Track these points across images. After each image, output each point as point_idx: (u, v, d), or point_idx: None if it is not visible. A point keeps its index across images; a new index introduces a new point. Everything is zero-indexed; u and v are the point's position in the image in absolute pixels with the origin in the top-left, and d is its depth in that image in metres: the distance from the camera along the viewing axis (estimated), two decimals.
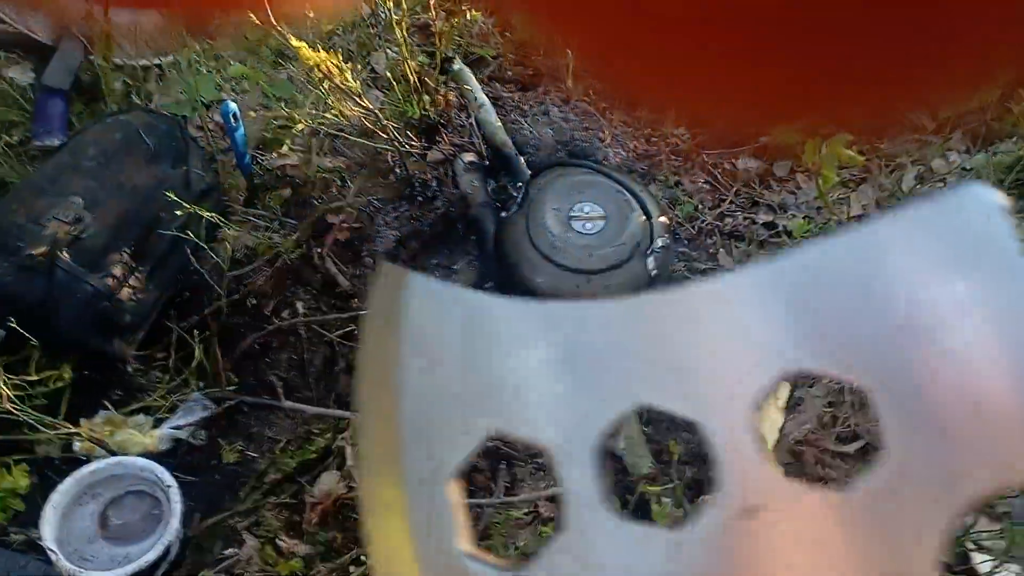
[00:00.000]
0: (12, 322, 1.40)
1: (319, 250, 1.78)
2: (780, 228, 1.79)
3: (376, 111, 1.82)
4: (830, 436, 1.36)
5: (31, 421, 1.35)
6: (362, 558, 1.32)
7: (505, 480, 1.47)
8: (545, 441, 0.24)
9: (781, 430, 1.36)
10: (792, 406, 1.39)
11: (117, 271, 1.53)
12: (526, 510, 1.39)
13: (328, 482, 1.42)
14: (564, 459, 0.24)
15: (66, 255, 1.48)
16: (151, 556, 1.24)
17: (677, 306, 0.24)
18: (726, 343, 0.23)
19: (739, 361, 0.23)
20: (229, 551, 1.36)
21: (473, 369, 0.25)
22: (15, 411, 1.33)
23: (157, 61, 2.06)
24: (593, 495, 0.23)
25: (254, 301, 1.69)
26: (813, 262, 0.23)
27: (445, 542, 0.24)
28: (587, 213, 1.65)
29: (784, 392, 1.41)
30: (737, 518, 0.23)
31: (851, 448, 1.35)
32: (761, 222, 1.82)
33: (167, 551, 1.28)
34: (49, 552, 1.24)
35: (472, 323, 0.25)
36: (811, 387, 1.40)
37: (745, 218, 1.83)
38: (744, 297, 0.24)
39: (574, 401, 0.24)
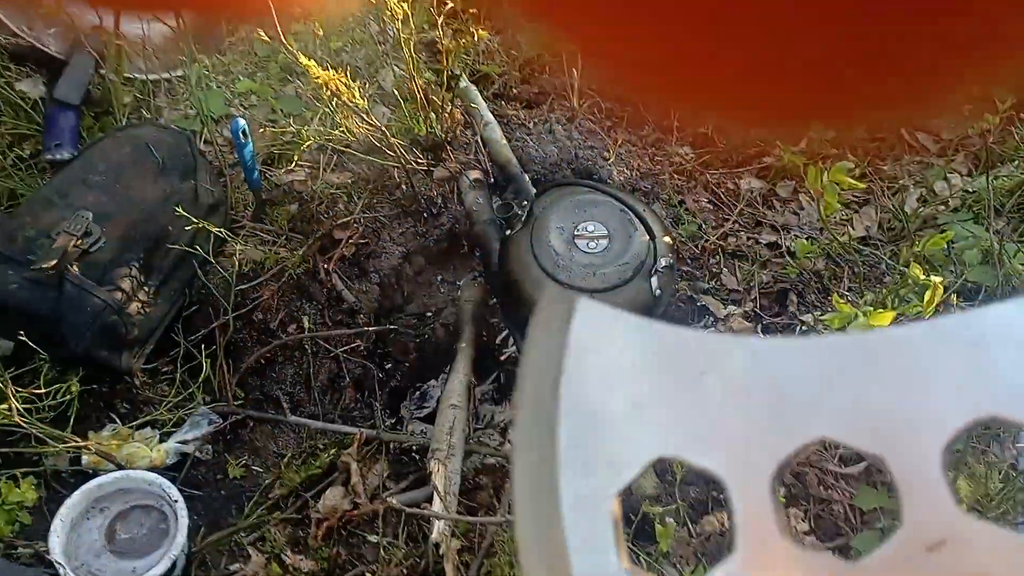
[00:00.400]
0: (21, 334, 1.41)
1: (325, 265, 1.80)
2: (784, 248, 1.81)
3: (383, 128, 1.84)
4: (832, 457, 1.37)
5: (39, 434, 1.35)
6: (366, 575, 1.33)
7: (510, 498, 1.47)
8: (719, 469, 0.24)
9: None
10: None
11: (125, 285, 1.54)
12: None
13: (333, 498, 1.42)
14: (739, 487, 0.24)
15: (75, 268, 1.50)
16: (158, 571, 1.25)
17: (866, 348, 0.25)
18: (917, 387, 0.24)
19: (929, 405, 0.24)
20: (235, 566, 1.37)
21: (643, 394, 0.25)
22: (24, 424, 1.34)
23: (167, 75, 2.08)
24: (770, 523, 0.24)
25: (260, 316, 1.71)
26: (1001, 319, 0.24)
27: (604, 559, 0.24)
28: (591, 232, 1.66)
29: None
30: (919, 552, 0.23)
31: (854, 470, 1.36)
32: (764, 242, 1.83)
33: (173, 566, 1.28)
34: (57, 566, 1.25)
35: (643, 350, 0.26)
36: None
37: (748, 238, 1.85)
38: (936, 345, 0.24)
39: (752, 432, 0.25)
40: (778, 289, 1.73)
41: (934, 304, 1.03)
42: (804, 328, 1.61)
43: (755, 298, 1.71)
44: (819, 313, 1.56)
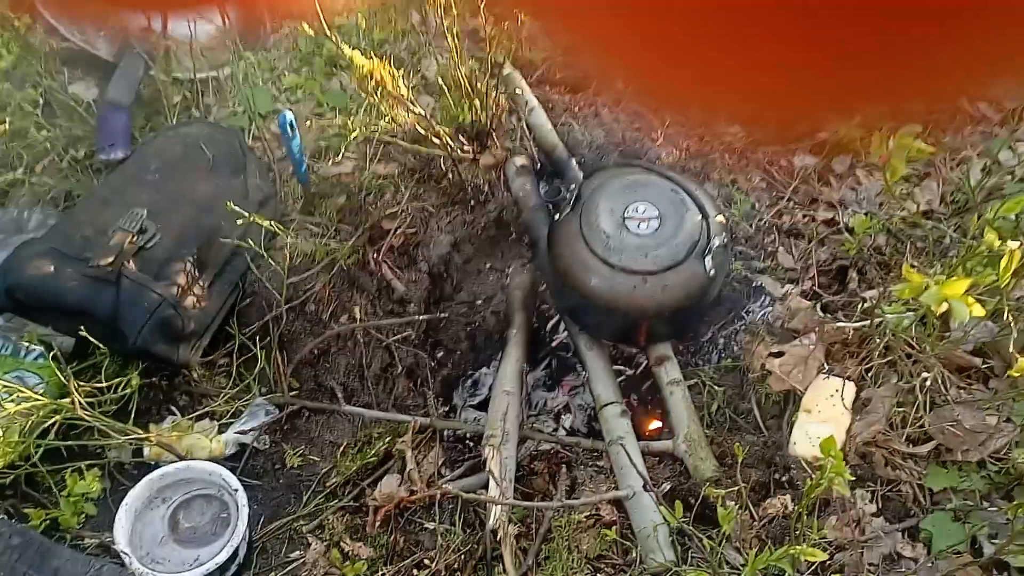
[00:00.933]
0: (82, 330, 1.44)
1: (375, 256, 1.80)
2: (841, 224, 1.75)
3: (428, 117, 1.83)
4: (900, 437, 1.33)
5: (102, 427, 1.38)
6: (425, 562, 1.33)
7: (565, 483, 1.46)
8: None
9: (848, 431, 1.32)
10: (860, 407, 1.36)
11: (181, 279, 1.56)
12: (587, 513, 1.38)
13: (389, 486, 1.42)
14: None
15: (132, 264, 1.52)
16: (220, 558, 1.26)
17: None
18: None
19: None
20: (295, 554, 1.38)
21: None
22: (87, 417, 1.36)
23: (214, 74, 2.11)
24: None
25: (313, 307, 1.72)
26: None
27: None
28: (642, 213, 1.62)
29: (850, 393, 1.37)
30: None
31: (923, 449, 1.31)
32: (821, 219, 1.78)
33: (235, 554, 1.30)
34: (122, 555, 1.27)
35: None
36: (880, 387, 1.37)
37: (804, 215, 1.80)
38: None
39: None
40: (837, 267, 1.68)
41: (1011, 271, 0.98)
42: (865, 305, 1.55)
43: (813, 276, 1.67)
44: (882, 289, 1.51)
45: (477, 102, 1.96)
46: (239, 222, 1.61)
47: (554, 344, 1.76)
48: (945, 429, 1.30)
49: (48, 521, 1.37)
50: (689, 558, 1.30)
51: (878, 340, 1.40)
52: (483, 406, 1.63)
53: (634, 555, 1.32)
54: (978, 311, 1.05)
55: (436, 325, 1.77)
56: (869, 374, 1.40)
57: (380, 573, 1.31)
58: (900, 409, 1.35)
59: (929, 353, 1.37)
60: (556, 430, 1.61)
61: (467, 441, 1.59)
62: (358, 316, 1.70)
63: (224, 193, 1.68)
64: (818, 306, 1.58)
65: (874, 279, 1.62)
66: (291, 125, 1.72)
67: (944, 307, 1.09)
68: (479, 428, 1.55)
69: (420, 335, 1.73)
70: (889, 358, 1.40)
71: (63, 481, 1.41)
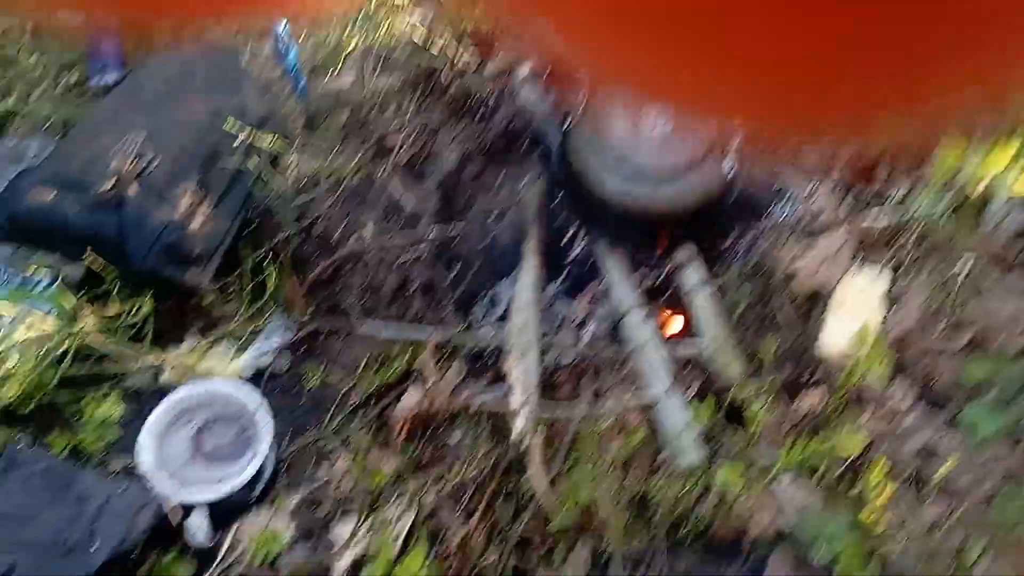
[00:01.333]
0: (86, 256, 1.41)
1: (382, 172, 1.74)
2: None
3: (427, 25, 1.76)
4: (935, 329, 1.29)
5: (118, 350, 1.35)
6: (451, 472, 1.31)
7: (590, 393, 1.43)
8: None
9: (884, 323, 1.29)
10: (892, 300, 1.32)
11: (184, 202, 1.52)
12: (612, 421, 1.36)
13: (411, 399, 1.40)
14: None
15: (134, 189, 1.48)
16: (246, 476, 1.25)
17: None
18: None
19: None
20: (322, 470, 1.36)
21: None
22: (100, 341, 1.34)
23: None
24: None
25: (322, 228, 1.67)
26: None
27: None
28: (657, 113, 1.56)
29: (882, 286, 1.33)
30: None
31: (960, 341, 1.28)
32: None
33: (261, 471, 1.29)
34: (146, 477, 1.26)
35: None
36: (913, 279, 1.32)
37: None
38: None
39: None
40: (866, 161, 1.62)
41: None
42: (895, 200, 1.50)
43: (841, 171, 1.60)
44: (915, 177, 1.45)
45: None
46: (240, 140, 1.56)
47: (572, 254, 1.71)
48: (982, 319, 1.26)
49: (71, 447, 1.36)
50: (719, 458, 1.28)
51: (911, 230, 1.35)
52: (503, 320, 1.59)
53: (662, 457, 1.30)
54: (1021, 187, 0.99)
55: (450, 241, 1.73)
56: (901, 268, 1.36)
57: (407, 484, 1.30)
58: (935, 301, 1.31)
59: (965, 242, 1.32)
60: (578, 340, 1.58)
61: (488, 356, 1.56)
62: (368, 235, 1.65)
63: (222, 113, 1.63)
64: (846, 201, 1.53)
65: (904, 171, 1.55)
66: (285, 37, 1.65)
67: (981, 189, 1.04)
68: (499, 342, 1.52)
69: (434, 251, 1.69)
70: (922, 248, 1.35)
71: (82, 409, 1.40)
